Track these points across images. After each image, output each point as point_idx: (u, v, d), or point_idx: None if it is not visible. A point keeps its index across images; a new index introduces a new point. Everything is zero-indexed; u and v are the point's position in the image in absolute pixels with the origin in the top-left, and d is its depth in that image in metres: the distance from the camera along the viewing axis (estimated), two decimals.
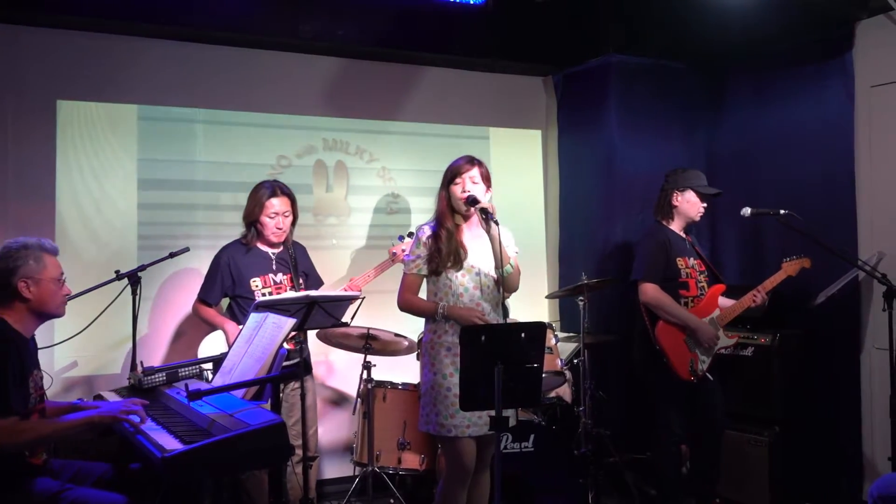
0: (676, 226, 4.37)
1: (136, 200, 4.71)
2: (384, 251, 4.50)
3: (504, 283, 3.54)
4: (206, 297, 4.20)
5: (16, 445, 2.80)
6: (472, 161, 3.54)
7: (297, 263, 4.22)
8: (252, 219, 4.16)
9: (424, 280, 3.58)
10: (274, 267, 4.19)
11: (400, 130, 5.40)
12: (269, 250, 4.22)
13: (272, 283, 4.15)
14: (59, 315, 3.09)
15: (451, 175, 3.53)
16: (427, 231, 3.54)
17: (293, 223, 4.24)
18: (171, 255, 4.23)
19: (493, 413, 3.23)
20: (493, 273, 3.53)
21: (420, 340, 3.83)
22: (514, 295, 3.86)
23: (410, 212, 5.34)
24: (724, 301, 4.30)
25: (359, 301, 4.15)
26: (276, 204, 4.12)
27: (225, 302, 4.30)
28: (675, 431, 4.25)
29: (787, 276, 4.20)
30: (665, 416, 4.27)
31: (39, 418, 2.98)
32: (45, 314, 3.01)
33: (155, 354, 4.64)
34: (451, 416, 3.39)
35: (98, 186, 4.62)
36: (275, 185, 4.18)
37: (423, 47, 5.21)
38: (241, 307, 4.09)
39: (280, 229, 4.15)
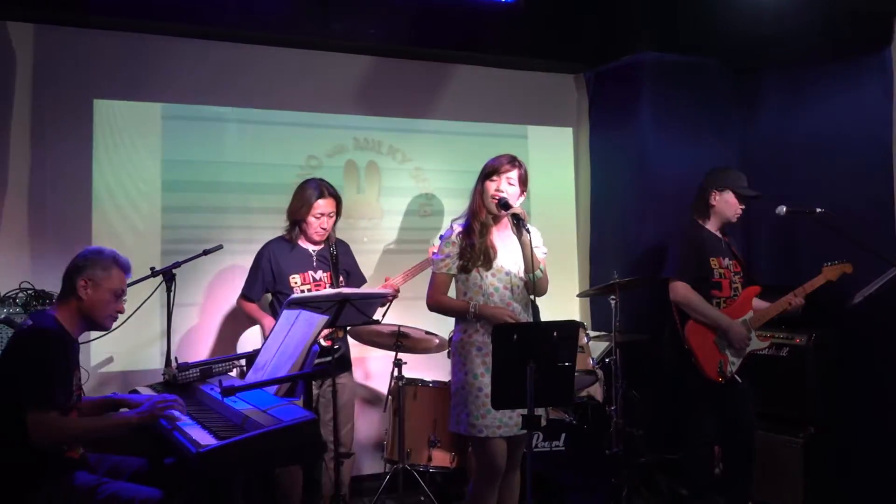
0: (713, 225, 4.33)
1: (161, 203, 4.73)
2: (417, 255, 4.52)
3: (530, 289, 3.54)
4: (248, 292, 4.28)
5: (55, 441, 2.85)
6: (513, 161, 3.50)
7: (339, 261, 4.25)
8: (298, 217, 4.20)
9: (453, 280, 3.57)
10: (314, 264, 4.23)
11: (433, 129, 5.38)
12: (311, 247, 4.26)
13: (311, 280, 4.19)
14: (106, 328, 3.14)
15: (490, 171, 3.49)
16: (457, 229, 3.53)
17: (335, 222, 4.28)
18: (206, 253, 4.27)
19: (524, 412, 3.25)
20: (522, 274, 3.52)
21: (451, 339, 3.83)
22: (560, 292, 3.82)
23: (444, 213, 5.31)
24: (759, 303, 4.26)
25: (391, 299, 4.18)
26: (323, 205, 4.17)
27: (267, 298, 4.35)
28: (704, 432, 4.22)
29: (826, 280, 4.14)
30: (694, 416, 4.24)
31: (78, 415, 3.04)
32: (92, 321, 3.07)
33: (190, 350, 4.69)
34: (483, 416, 3.38)
35: (124, 185, 4.66)
36: (322, 187, 4.21)
37: (455, 45, 5.21)
38: (280, 303, 4.13)
39: (324, 229, 4.19)
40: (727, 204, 4.28)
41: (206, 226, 4.78)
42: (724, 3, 4.76)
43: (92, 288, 3.00)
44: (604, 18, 5.41)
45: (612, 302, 4.61)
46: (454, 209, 5.21)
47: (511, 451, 3.49)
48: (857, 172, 4.63)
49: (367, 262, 5.04)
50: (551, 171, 5.73)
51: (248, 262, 4.56)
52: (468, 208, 3.56)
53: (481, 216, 3.49)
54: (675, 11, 5.14)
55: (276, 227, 4.45)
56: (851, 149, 4.67)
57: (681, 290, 4.19)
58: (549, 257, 3.61)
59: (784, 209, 4.20)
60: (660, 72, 5.29)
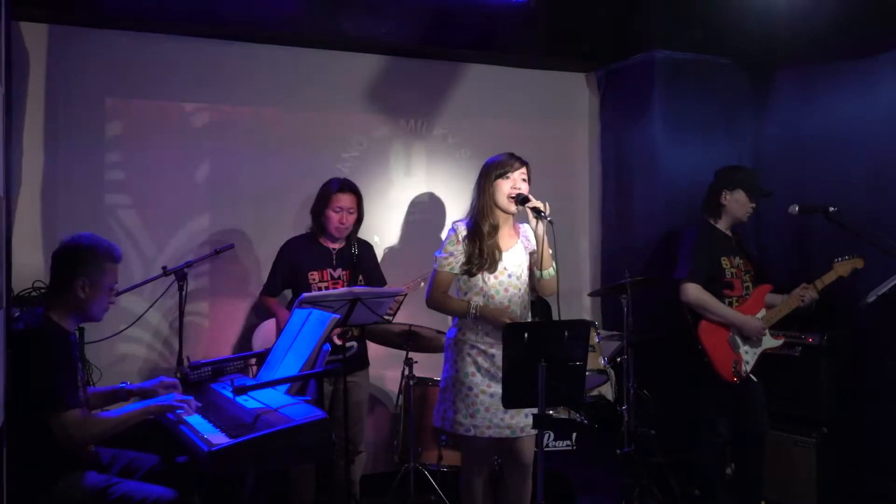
0: (723, 224, 4.32)
1: (170, 204, 4.72)
2: (424, 262, 4.51)
3: (542, 287, 3.52)
4: (268, 288, 4.30)
5: (83, 439, 2.86)
6: (519, 159, 3.49)
7: (359, 260, 4.25)
8: (318, 212, 4.21)
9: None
10: (334, 262, 4.23)
11: (447, 129, 5.36)
12: (331, 245, 4.26)
13: (330, 278, 4.20)
14: (98, 319, 3.12)
15: (500, 171, 3.45)
16: (462, 229, 3.48)
17: (359, 221, 4.28)
18: (217, 252, 4.29)
19: (514, 418, 3.25)
20: (524, 276, 3.50)
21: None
22: (569, 291, 3.80)
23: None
24: (772, 298, 4.24)
25: (401, 298, 4.18)
26: (342, 199, 4.17)
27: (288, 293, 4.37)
28: (717, 431, 4.22)
29: (838, 276, 4.11)
30: (708, 415, 4.24)
31: (88, 408, 3.06)
32: (86, 317, 3.06)
33: (203, 349, 4.70)
34: (471, 415, 3.38)
35: (136, 185, 4.67)
36: (342, 181, 4.23)
37: (466, 45, 5.19)
38: None
39: (343, 225, 4.19)
40: (738, 203, 4.27)
41: (217, 226, 4.78)
42: (735, 2, 4.73)
43: (90, 287, 2.97)
44: (615, 17, 5.39)
45: (624, 301, 4.60)
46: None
47: (513, 453, 3.49)
48: (872, 171, 4.60)
49: None
50: (563, 170, 5.71)
51: (256, 263, 4.59)
52: (473, 209, 3.51)
53: (492, 217, 3.46)
54: (686, 10, 5.11)
55: (286, 228, 4.45)
56: (866, 147, 4.64)
57: (692, 291, 4.18)
58: (560, 255, 3.59)
59: (796, 208, 4.18)
60: (671, 70, 5.27)
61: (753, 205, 4.30)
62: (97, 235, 3.09)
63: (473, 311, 3.40)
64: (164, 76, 4.71)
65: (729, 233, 4.34)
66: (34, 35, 4.45)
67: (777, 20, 4.75)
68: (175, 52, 4.72)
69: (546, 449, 4.18)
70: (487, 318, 3.40)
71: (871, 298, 4.15)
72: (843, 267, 4.12)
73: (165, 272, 4.10)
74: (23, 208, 4.37)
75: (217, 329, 4.79)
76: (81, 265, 2.97)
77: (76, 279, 2.96)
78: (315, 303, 3.51)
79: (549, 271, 3.46)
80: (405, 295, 4.22)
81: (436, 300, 3.52)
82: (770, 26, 4.85)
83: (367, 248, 4.42)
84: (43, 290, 4.04)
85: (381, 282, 4.43)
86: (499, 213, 3.48)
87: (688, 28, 5.18)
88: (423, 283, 4.42)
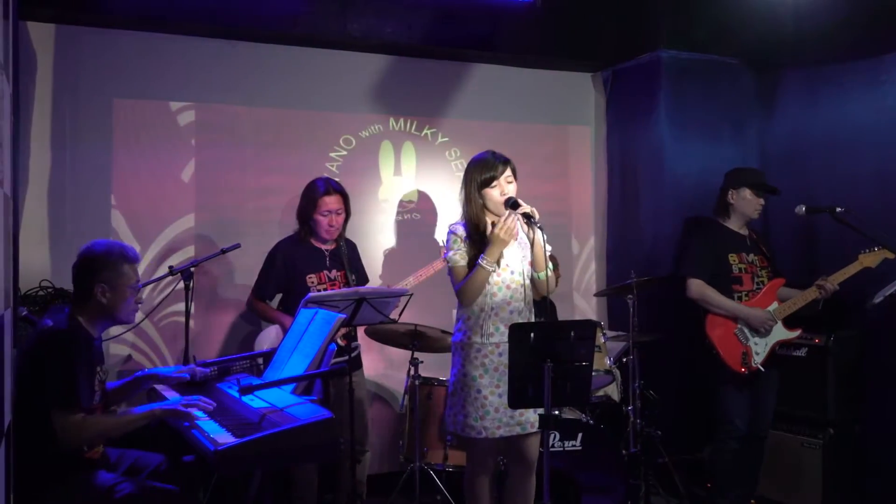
0: (734, 224, 4.34)
1: (177, 204, 4.73)
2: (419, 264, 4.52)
3: (538, 286, 3.50)
4: (260, 292, 4.27)
5: (82, 442, 2.88)
6: (501, 159, 3.45)
7: (349, 261, 4.25)
8: (305, 216, 4.20)
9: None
10: (328, 263, 4.23)
11: (450, 130, 5.36)
12: (323, 247, 4.25)
13: (327, 280, 4.19)
14: (129, 322, 3.18)
15: (484, 177, 3.42)
16: (461, 231, 3.46)
17: (346, 220, 4.27)
18: (223, 251, 4.28)
19: (523, 414, 3.23)
20: (526, 271, 3.49)
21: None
22: (560, 292, 3.79)
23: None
24: (788, 291, 4.24)
25: (407, 298, 4.18)
26: (329, 201, 4.15)
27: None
28: (736, 425, 4.23)
29: (863, 267, 4.08)
30: (726, 409, 4.25)
31: (105, 405, 3.08)
32: (116, 321, 3.11)
33: (208, 348, 4.70)
34: (482, 417, 3.37)
35: (143, 186, 4.67)
36: (328, 183, 4.21)
37: (472, 44, 5.19)
38: (295, 303, 4.12)
39: (333, 226, 4.17)
40: (745, 201, 4.30)
41: (222, 226, 4.78)
42: (742, 1, 4.72)
43: (110, 291, 3.02)
44: (621, 17, 5.40)
45: (630, 301, 4.59)
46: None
47: (519, 451, 3.49)
48: (879, 171, 4.59)
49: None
50: (568, 170, 5.71)
51: (244, 263, 4.57)
52: (465, 217, 3.49)
53: (483, 225, 3.44)
54: (693, 9, 5.12)
55: (273, 229, 4.43)
56: (873, 147, 4.63)
57: (694, 286, 4.24)
58: (566, 256, 3.59)
59: (803, 209, 4.19)
60: (677, 70, 5.26)
61: (762, 201, 4.32)
62: (110, 240, 3.16)
63: (482, 261, 3.32)
64: (171, 76, 4.71)
65: (744, 231, 4.36)
66: (41, 35, 4.45)
67: (783, 20, 4.74)
68: (182, 52, 4.71)
69: (552, 449, 4.18)
70: (497, 243, 3.31)
71: (878, 299, 4.14)
72: (870, 258, 4.07)
73: (172, 272, 4.10)
74: (30, 208, 4.37)
75: (202, 330, 4.73)
76: (98, 272, 3.02)
77: (95, 286, 3.01)
78: (321, 303, 3.52)
79: (546, 271, 3.45)
80: (410, 295, 4.22)
81: (461, 287, 3.42)
82: (776, 26, 4.84)
83: (353, 247, 4.42)
84: (50, 290, 4.05)
85: (366, 281, 4.43)
86: (491, 216, 3.46)
87: (694, 28, 5.18)
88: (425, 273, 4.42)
